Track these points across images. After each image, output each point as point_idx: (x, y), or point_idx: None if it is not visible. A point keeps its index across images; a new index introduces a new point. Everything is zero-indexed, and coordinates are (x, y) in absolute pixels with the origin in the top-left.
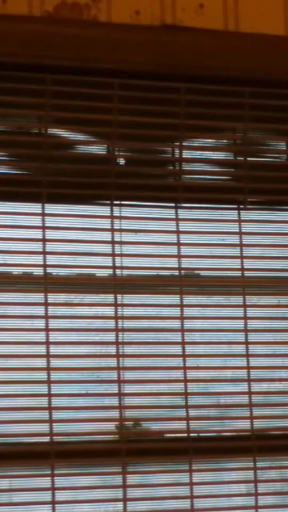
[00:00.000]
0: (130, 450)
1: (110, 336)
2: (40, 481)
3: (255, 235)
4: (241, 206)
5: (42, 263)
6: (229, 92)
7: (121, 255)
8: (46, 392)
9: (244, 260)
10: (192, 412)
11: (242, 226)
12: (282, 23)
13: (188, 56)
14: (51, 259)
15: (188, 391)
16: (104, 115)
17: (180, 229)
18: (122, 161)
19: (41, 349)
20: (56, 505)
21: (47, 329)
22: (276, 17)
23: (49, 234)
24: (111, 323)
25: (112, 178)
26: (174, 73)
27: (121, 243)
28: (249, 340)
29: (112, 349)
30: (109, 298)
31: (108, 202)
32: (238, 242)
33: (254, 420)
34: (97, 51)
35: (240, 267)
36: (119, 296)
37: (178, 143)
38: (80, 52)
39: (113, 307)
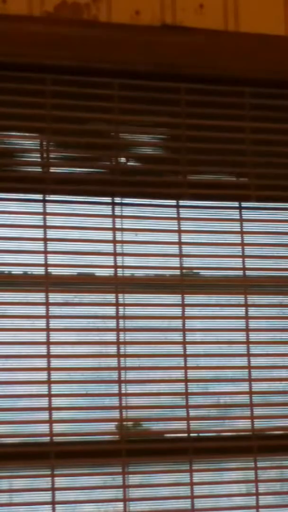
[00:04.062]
0: (131, 450)
1: (111, 336)
2: (40, 482)
3: (256, 234)
4: (243, 205)
5: (43, 262)
6: (229, 92)
7: (123, 254)
8: (46, 392)
9: (245, 259)
10: (193, 412)
11: (243, 225)
12: (282, 23)
13: (188, 56)
14: (52, 259)
15: (189, 391)
16: (105, 115)
17: (182, 229)
18: (123, 160)
19: (42, 349)
20: (56, 505)
21: (47, 329)
22: (276, 17)
23: (50, 234)
24: (112, 323)
25: (115, 176)
26: (174, 73)
27: (123, 242)
28: (250, 340)
29: (113, 349)
30: (110, 297)
31: (110, 201)
32: (240, 241)
33: (254, 420)
34: (97, 51)
35: (241, 266)
36: (120, 296)
37: (179, 143)
38: (80, 52)
39: (114, 307)
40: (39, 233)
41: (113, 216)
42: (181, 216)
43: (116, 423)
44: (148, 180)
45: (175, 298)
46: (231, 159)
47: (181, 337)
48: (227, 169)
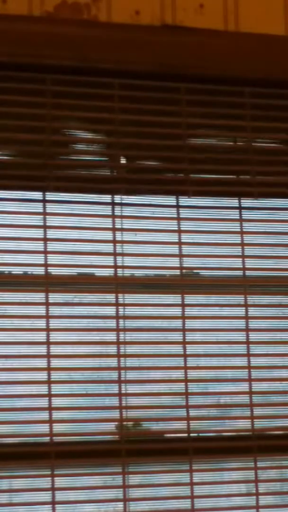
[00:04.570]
0: (131, 450)
1: (111, 336)
2: (40, 482)
3: (256, 234)
4: (243, 205)
5: (43, 262)
6: (229, 92)
7: (122, 254)
8: (47, 392)
9: (245, 259)
10: (193, 412)
11: (243, 225)
12: (282, 23)
13: (188, 56)
14: (52, 259)
15: (189, 391)
16: (105, 114)
17: (182, 229)
18: (123, 160)
19: (42, 349)
20: (56, 506)
21: (47, 329)
22: (276, 17)
23: (50, 234)
24: (112, 323)
25: (115, 175)
26: (174, 73)
27: (122, 242)
28: (250, 340)
29: (113, 349)
30: (110, 297)
31: (110, 201)
32: (240, 241)
33: (254, 420)
34: (97, 51)
35: (241, 266)
36: (120, 296)
37: (181, 142)
38: (80, 52)
39: (114, 307)
40: (39, 233)
41: (113, 216)
42: (181, 216)
43: (116, 423)
44: (149, 178)
45: (175, 298)
46: (231, 158)
47: (181, 337)
48: (227, 167)
